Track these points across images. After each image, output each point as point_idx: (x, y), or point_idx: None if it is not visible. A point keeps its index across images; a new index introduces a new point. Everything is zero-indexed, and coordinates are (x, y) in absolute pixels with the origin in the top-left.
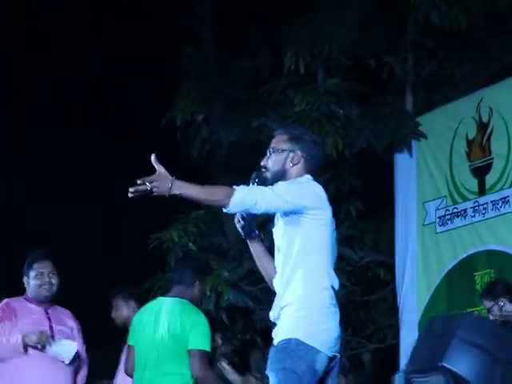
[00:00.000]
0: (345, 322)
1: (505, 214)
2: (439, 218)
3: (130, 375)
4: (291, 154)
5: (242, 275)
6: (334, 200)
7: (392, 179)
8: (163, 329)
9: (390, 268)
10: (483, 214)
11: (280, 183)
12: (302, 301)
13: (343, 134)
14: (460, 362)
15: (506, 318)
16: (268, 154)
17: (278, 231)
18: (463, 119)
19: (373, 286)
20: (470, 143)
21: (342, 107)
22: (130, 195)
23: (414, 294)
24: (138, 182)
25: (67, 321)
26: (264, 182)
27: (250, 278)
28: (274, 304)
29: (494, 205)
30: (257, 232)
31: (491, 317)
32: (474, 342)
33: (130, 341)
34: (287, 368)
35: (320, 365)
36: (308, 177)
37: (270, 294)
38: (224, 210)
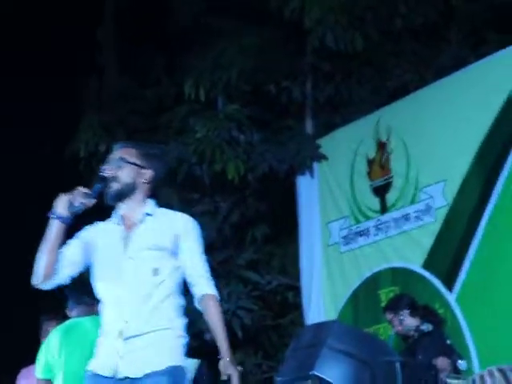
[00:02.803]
0: (254, 346)
1: (406, 231)
2: (343, 237)
3: None
4: (143, 171)
5: None
6: (238, 225)
7: (295, 202)
8: None
9: (299, 291)
10: (386, 232)
11: (200, 250)
12: (184, 328)
13: (245, 159)
14: (330, 370)
15: (407, 333)
16: (117, 164)
17: (156, 257)
18: (363, 139)
19: (282, 309)
20: (370, 163)
21: (243, 133)
22: None
23: (321, 315)
24: None
25: None
26: (109, 193)
27: None
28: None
29: (395, 222)
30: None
31: (393, 330)
32: (343, 350)
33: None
34: None
35: None
36: (154, 201)
37: None
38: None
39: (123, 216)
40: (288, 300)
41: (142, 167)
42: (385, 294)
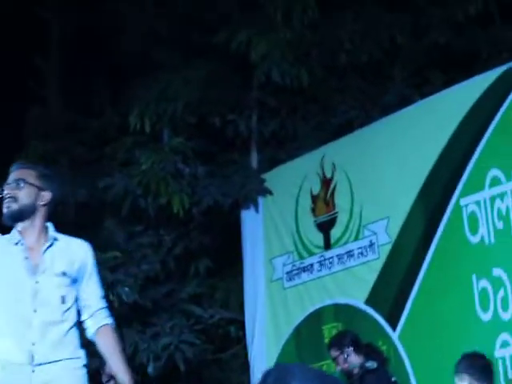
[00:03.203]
0: (197, 380)
1: (350, 267)
2: (286, 273)
3: None
4: (42, 193)
5: None
6: (182, 258)
7: (240, 236)
8: None
9: (241, 325)
10: (329, 268)
11: (98, 278)
12: (84, 357)
13: (190, 193)
14: None
15: (352, 370)
16: (15, 184)
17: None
18: (308, 175)
19: (224, 343)
20: (314, 198)
21: (188, 165)
22: None
23: (263, 350)
24: None
25: None
26: (8, 213)
27: None
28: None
29: (339, 259)
30: None
31: (338, 367)
32: None
33: None
34: None
35: None
36: (51, 225)
37: None
38: None
39: (23, 237)
40: (230, 334)
41: (41, 189)
42: (328, 330)
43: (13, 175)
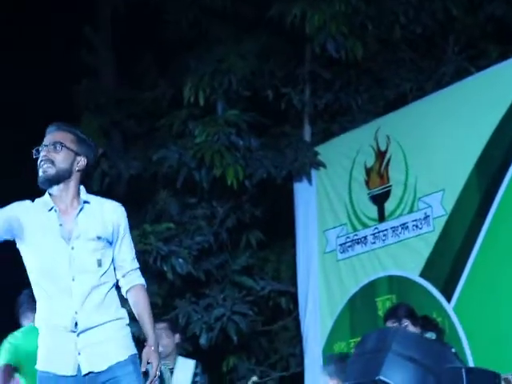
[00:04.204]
0: (248, 351)
1: (404, 239)
2: (340, 245)
3: None
4: (78, 158)
5: None
6: (234, 230)
7: (292, 208)
8: None
9: (292, 297)
10: (383, 240)
11: (129, 240)
12: (126, 316)
13: (243, 165)
14: (396, 375)
15: None
16: (53, 146)
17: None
18: (361, 148)
19: (275, 315)
20: (368, 171)
21: (241, 138)
22: None
23: (317, 322)
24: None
25: None
26: (43, 177)
27: (153, 310)
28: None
29: (393, 231)
30: None
31: None
32: (408, 356)
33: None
34: None
35: None
36: (84, 188)
37: None
38: None
39: (56, 201)
40: (281, 306)
41: (77, 154)
42: (382, 302)
43: (50, 137)
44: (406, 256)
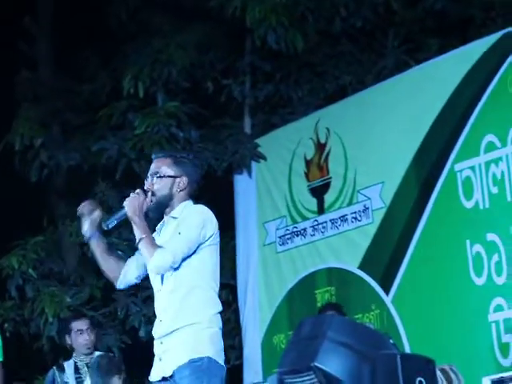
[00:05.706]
0: None
1: (344, 231)
2: (279, 237)
3: None
4: (177, 180)
5: (83, 300)
6: None
7: (232, 201)
8: None
9: (232, 289)
10: (323, 232)
11: (187, 225)
12: (212, 319)
13: None
14: (331, 362)
15: None
16: (151, 178)
17: None
18: (301, 140)
19: None
20: (308, 163)
21: (181, 130)
22: None
23: (256, 314)
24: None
25: None
26: (150, 207)
27: (92, 303)
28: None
29: (333, 223)
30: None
31: None
32: (344, 342)
33: None
34: None
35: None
36: (190, 201)
37: (111, 320)
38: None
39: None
40: (221, 298)
41: (176, 176)
42: (321, 294)
43: (151, 167)
44: (345, 248)
